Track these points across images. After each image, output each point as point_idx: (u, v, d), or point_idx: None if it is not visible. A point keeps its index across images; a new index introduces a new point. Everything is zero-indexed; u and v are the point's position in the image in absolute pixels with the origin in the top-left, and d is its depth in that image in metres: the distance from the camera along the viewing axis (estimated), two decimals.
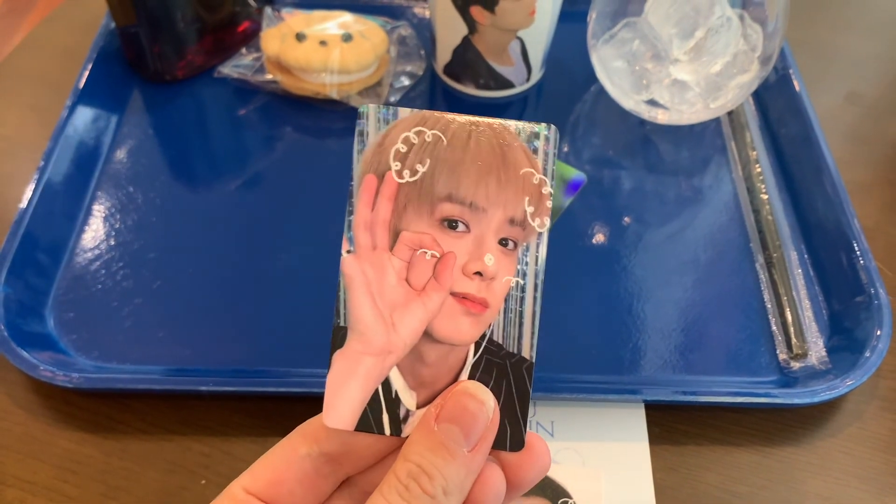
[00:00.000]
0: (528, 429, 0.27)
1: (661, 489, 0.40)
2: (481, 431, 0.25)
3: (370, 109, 0.28)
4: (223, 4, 0.57)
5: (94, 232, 0.49)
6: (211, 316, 0.45)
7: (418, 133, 0.29)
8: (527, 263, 0.29)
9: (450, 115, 0.28)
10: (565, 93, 0.59)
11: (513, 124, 0.28)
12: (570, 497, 0.39)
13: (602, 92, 0.56)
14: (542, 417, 0.42)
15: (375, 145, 0.27)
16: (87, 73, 0.55)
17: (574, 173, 0.52)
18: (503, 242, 0.27)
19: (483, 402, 0.26)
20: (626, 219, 0.51)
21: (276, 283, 0.47)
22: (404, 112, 0.28)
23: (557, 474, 0.40)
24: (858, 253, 0.46)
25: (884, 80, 0.62)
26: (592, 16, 0.53)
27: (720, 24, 0.49)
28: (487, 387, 0.27)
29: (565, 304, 0.46)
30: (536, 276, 0.29)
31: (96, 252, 0.48)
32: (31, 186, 0.48)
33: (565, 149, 0.55)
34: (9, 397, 0.42)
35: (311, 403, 0.42)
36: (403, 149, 0.28)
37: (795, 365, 0.43)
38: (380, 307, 0.27)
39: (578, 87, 0.59)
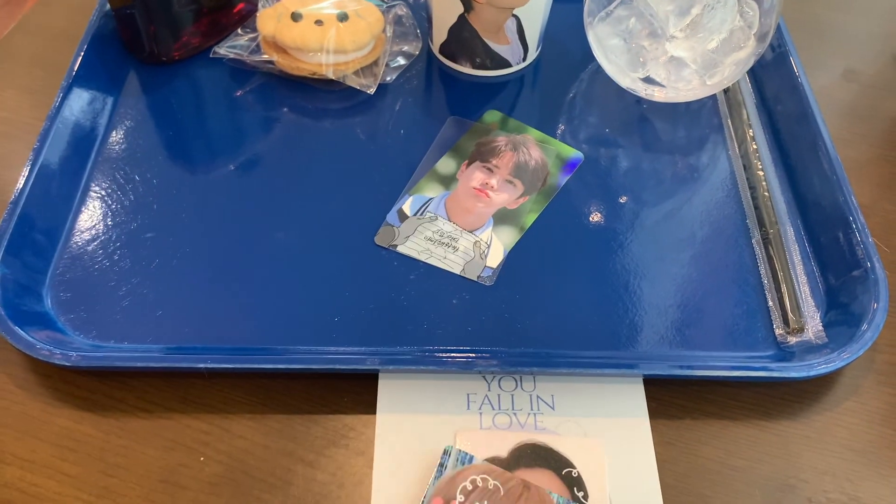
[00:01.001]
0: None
1: (659, 463, 0.40)
2: None
3: (453, 450, 0.38)
4: None
5: (91, 212, 0.49)
6: (208, 295, 0.45)
7: (483, 479, 0.37)
8: None
9: (509, 474, 0.38)
10: (562, 71, 0.59)
11: (556, 497, 0.37)
12: (574, 467, 0.39)
13: (599, 70, 0.56)
14: (543, 391, 0.42)
15: (449, 478, 0.37)
16: (82, 55, 0.55)
17: (572, 153, 0.52)
18: None
19: None
20: (623, 197, 0.51)
21: (272, 261, 0.47)
22: (478, 460, 0.38)
23: (560, 445, 0.40)
24: (855, 228, 0.46)
25: (881, 57, 0.62)
26: None
27: (716, 0, 0.49)
28: None
29: (564, 280, 0.46)
30: None
31: (93, 232, 0.48)
32: (27, 168, 0.48)
33: (562, 127, 0.55)
34: (7, 376, 0.42)
35: (310, 380, 0.42)
36: (469, 487, 0.37)
37: (792, 340, 0.44)
38: None
39: (575, 65, 0.59)
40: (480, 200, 0.50)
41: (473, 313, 0.44)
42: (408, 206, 0.49)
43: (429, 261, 0.46)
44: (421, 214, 0.48)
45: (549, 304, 0.45)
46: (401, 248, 0.47)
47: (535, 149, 0.52)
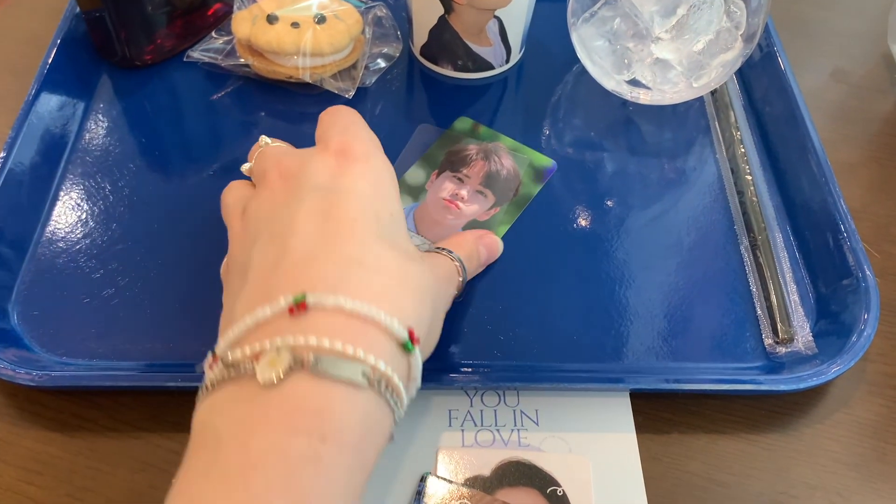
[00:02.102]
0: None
1: (646, 479, 0.39)
2: (490, 258, 0.45)
3: (430, 477, 0.38)
4: None
5: (61, 223, 0.47)
6: (182, 309, 0.44)
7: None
8: None
9: (489, 498, 0.37)
10: (546, 74, 0.57)
11: None
12: (559, 485, 0.38)
13: (583, 72, 0.55)
14: (526, 406, 0.41)
15: None
16: (51, 59, 0.53)
17: (546, 161, 0.51)
18: None
19: (497, 243, 0.45)
20: (609, 202, 0.49)
21: None
22: (457, 482, 0.38)
23: (545, 462, 0.39)
24: (845, 234, 0.45)
25: (870, 58, 0.61)
26: None
27: (702, 0, 0.48)
28: None
29: (547, 290, 0.45)
30: None
31: (63, 244, 0.46)
32: None
33: (546, 132, 0.53)
34: None
35: None
36: None
37: (781, 350, 0.43)
38: None
39: (559, 67, 0.58)
40: (450, 212, 0.48)
41: (454, 326, 0.43)
42: None
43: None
44: None
45: (532, 316, 0.44)
46: None
47: (506, 157, 0.51)
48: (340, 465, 0.27)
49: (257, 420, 0.27)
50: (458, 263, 0.40)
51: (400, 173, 0.50)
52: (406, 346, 0.30)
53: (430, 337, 0.36)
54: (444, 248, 0.40)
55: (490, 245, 0.44)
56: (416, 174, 0.50)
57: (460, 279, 0.40)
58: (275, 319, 0.29)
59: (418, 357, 0.31)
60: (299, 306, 0.29)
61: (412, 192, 0.49)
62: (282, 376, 0.27)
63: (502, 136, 0.52)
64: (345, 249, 0.31)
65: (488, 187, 0.49)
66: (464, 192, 0.48)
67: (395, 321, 0.30)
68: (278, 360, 0.27)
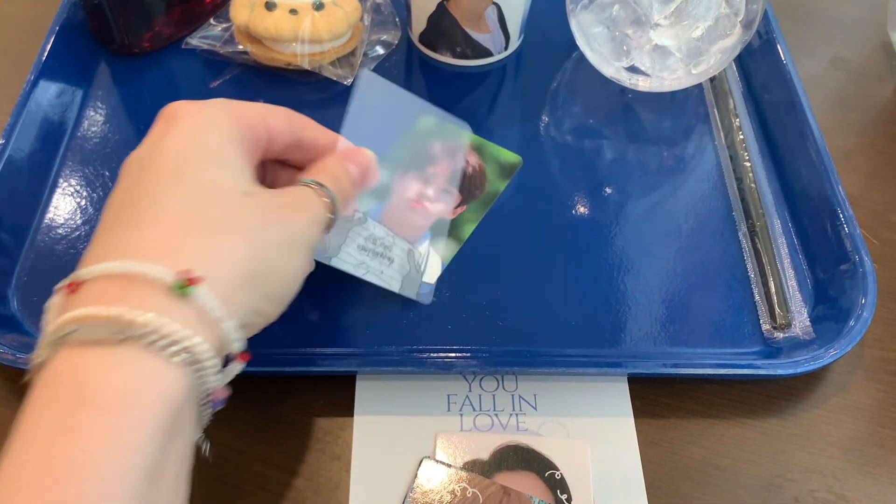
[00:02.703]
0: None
1: (644, 463, 0.39)
2: (365, 177, 0.40)
3: (429, 461, 0.38)
4: None
5: (60, 210, 0.47)
6: None
7: (462, 489, 0.37)
8: None
9: (488, 481, 0.38)
10: (545, 61, 0.57)
11: (537, 501, 0.37)
12: (557, 469, 0.39)
13: (582, 59, 0.55)
14: (525, 391, 0.41)
15: (426, 489, 0.37)
16: (50, 46, 0.53)
17: (511, 157, 0.51)
18: None
19: (373, 165, 0.40)
20: (608, 188, 0.49)
21: None
22: (456, 466, 0.38)
23: (543, 447, 0.39)
24: (843, 221, 0.45)
25: (869, 45, 0.61)
26: None
27: None
28: None
29: (546, 276, 0.45)
30: None
31: (62, 231, 0.46)
32: None
33: (545, 119, 0.53)
34: None
35: (285, 382, 0.41)
36: (448, 498, 0.37)
37: (779, 335, 0.43)
38: None
39: (558, 54, 0.58)
40: (416, 212, 0.46)
41: (453, 312, 0.43)
42: None
43: (366, 277, 0.41)
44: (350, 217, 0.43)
45: (531, 301, 0.44)
46: (335, 262, 0.41)
47: (472, 155, 0.50)
48: (103, 427, 0.25)
49: (28, 402, 0.26)
50: (316, 188, 0.35)
51: None
52: (179, 289, 0.28)
53: (272, 277, 0.32)
54: (304, 179, 0.36)
55: (361, 161, 0.39)
56: (380, 174, 0.47)
57: (326, 200, 0.35)
58: (61, 302, 0.29)
59: (206, 297, 0.28)
60: (72, 286, 0.28)
61: (377, 192, 0.45)
62: (43, 356, 0.27)
63: (466, 133, 0.52)
64: (124, 214, 0.30)
65: (454, 185, 0.48)
66: (430, 192, 0.47)
67: (158, 268, 0.28)
68: (43, 342, 0.27)
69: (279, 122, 0.37)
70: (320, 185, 0.36)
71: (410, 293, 0.43)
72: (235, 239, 0.30)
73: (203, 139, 0.33)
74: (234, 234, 0.30)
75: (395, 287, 0.42)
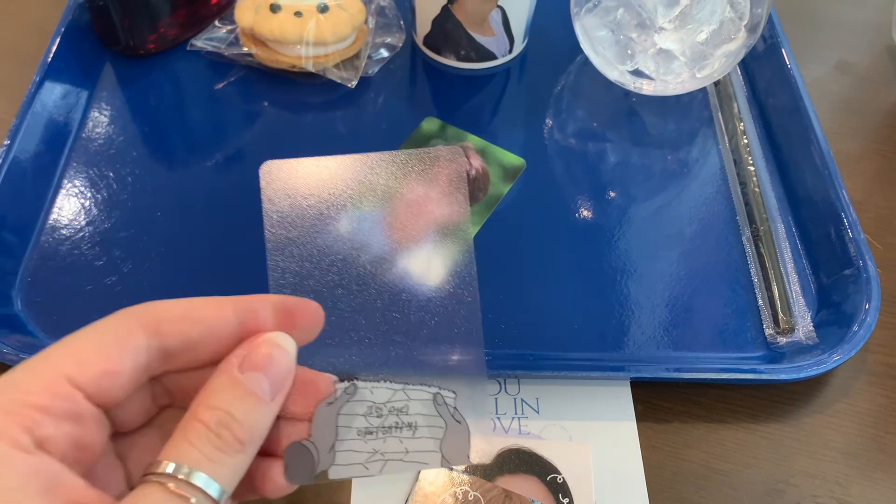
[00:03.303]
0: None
1: (646, 468, 0.39)
2: (285, 380, 0.26)
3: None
4: None
5: (64, 211, 0.47)
6: (185, 296, 0.44)
7: (463, 492, 0.36)
8: None
9: (490, 484, 0.37)
10: (549, 64, 0.57)
11: None
12: (559, 473, 0.38)
13: (587, 63, 0.55)
14: (527, 395, 0.41)
15: (428, 492, 0.37)
16: (55, 48, 0.53)
17: (515, 160, 0.51)
18: None
19: (288, 352, 0.27)
20: (612, 192, 0.49)
21: (251, 261, 0.45)
22: (458, 470, 0.36)
23: (545, 450, 0.39)
24: (847, 225, 0.45)
25: (874, 49, 0.61)
26: None
27: None
28: None
29: (548, 279, 0.45)
30: None
31: (66, 231, 0.46)
32: None
33: (549, 122, 0.53)
34: None
35: None
36: (449, 501, 0.36)
37: (782, 340, 0.43)
38: None
39: (562, 58, 0.58)
40: (420, 215, 0.44)
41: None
42: None
43: (386, 471, 0.29)
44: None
45: (533, 305, 0.44)
46: (335, 474, 0.29)
47: (475, 157, 0.50)
48: None
49: None
50: (175, 482, 0.23)
51: None
52: None
53: None
54: (157, 465, 0.24)
55: (265, 360, 0.26)
56: (382, 176, 0.46)
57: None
58: None
59: None
60: None
61: (380, 195, 0.44)
62: None
63: (470, 135, 0.52)
64: None
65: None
66: (433, 194, 0.46)
67: None
68: None
69: (107, 356, 0.25)
70: (179, 475, 0.24)
71: (460, 458, 0.30)
72: None
73: None
74: None
75: (434, 462, 0.29)
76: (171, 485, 0.23)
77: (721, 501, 0.38)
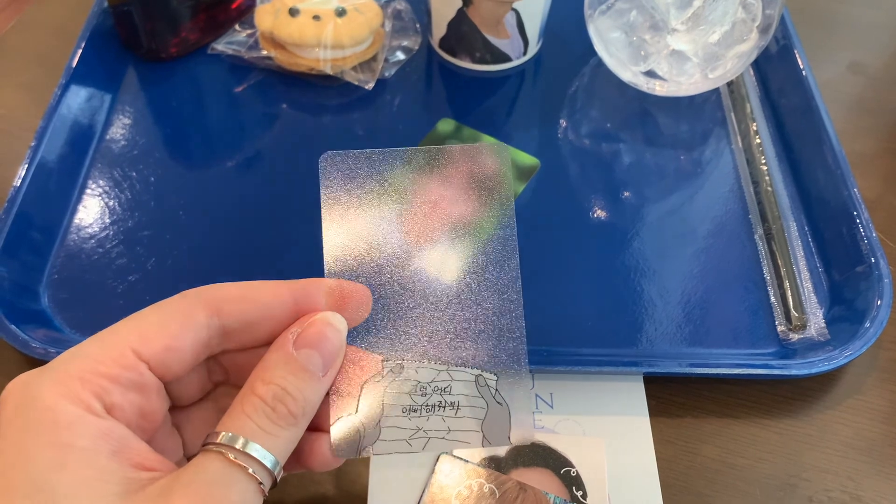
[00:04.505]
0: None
1: (659, 462, 0.40)
2: (336, 357, 0.28)
3: (446, 456, 0.36)
4: None
5: (89, 210, 0.49)
6: None
7: (479, 483, 0.36)
8: None
9: (504, 477, 0.37)
10: (563, 66, 0.58)
11: (552, 498, 0.35)
12: (573, 466, 0.39)
13: (600, 64, 0.56)
14: (541, 390, 0.42)
15: (444, 484, 0.37)
16: (80, 52, 0.54)
17: (530, 160, 0.51)
18: None
19: (340, 331, 0.29)
20: (626, 191, 0.50)
21: (270, 260, 0.46)
22: (473, 462, 0.36)
23: (559, 444, 0.40)
24: (859, 223, 0.45)
25: (888, 50, 0.61)
26: None
27: None
28: None
29: (564, 277, 0.46)
30: None
31: (91, 230, 0.47)
32: (25, 165, 0.47)
33: (563, 123, 0.54)
34: (4, 376, 0.42)
35: None
36: (465, 493, 0.36)
37: (794, 337, 0.43)
38: None
39: (576, 59, 0.58)
40: (436, 214, 0.44)
41: None
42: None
43: (428, 448, 0.30)
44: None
45: (548, 301, 0.44)
46: (378, 449, 0.30)
47: (490, 144, 0.50)
48: None
49: None
50: (232, 453, 0.25)
51: None
52: None
53: None
54: (214, 436, 0.26)
55: (325, 336, 0.28)
56: (398, 177, 0.46)
57: (248, 473, 0.25)
58: None
59: None
60: None
61: (396, 196, 0.44)
62: None
63: (485, 136, 0.53)
64: None
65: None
66: (449, 194, 0.47)
67: None
68: None
69: (170, 333, 0.27)
70: (236, 446, 0.25)
71: (501, 439, 0.31)
72: None
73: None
74: None
75: (475, 441, 0.30)
76: (230, 454, 0.25)
77: (733, 496, 0.39)
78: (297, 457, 0.29)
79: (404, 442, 0.30)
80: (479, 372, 0.31)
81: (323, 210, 0.32)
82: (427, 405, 0.30)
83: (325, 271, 0.31)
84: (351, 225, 0.32)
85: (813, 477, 0.39)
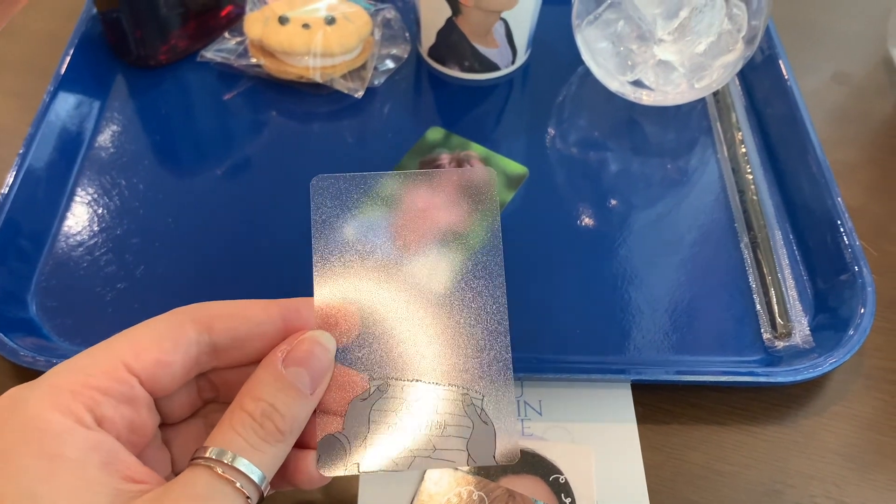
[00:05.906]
0: None
1: (647, 469, 0.40)
2: (324, 376, 0.29)
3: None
4: None
5: (77, 218, 0.48)
6: (194, 301, 0.45)
7: (468, 491, 0.36)
8: None
9: (493, 484, 0.37)
10: (551, 75, 0.59)
11: None
12: (561, 473, 0.39)
13: (588, 74, 0.56)
14: (530, 397, 0.42)
15: (433, 492, 0.37)
16: (68, 59, 0.54)
17: (518, 168, 0.52)
18: None
19: (328, 350, 0.29)
20: (613, 200, 0.50)
21: (259, 268, 0.46)
22: (462, 470, 0.36)
23: (548, 451, 0.40)
24: (843, 232, 0.46)
25: (871, 60, 0.62)
26: None
27: (704, 3, 0.49)
28: None
29: (552, 285, 0.46)
30: None
31: (79, 238, 0.47)
32: (13, 172, 0.47)
33: (551, 132, 0.55)
34: None
35: None
36: (454, 500, 0.36)
37: (779, 344, 0.44)
38: None
39: (564, 69, 0.59)
40: (426, 222, 0.44)
41: None
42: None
43: (413, 467, 0.30)
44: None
45: (536, 309, 0.45)
46: (365, 468, 0.30)
47: (479, 165, 0.51)
48: None
49: None
50: (220, 467, 0.25)
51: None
52: None
53: None
54: (203, 451, 0.26)
55: (313, 354, 0.29)
56: (388, 183, 0.46)
57: (236, 489, 0.25)
58: None
59: None
60: None
61: (386, 201, 0.44)
62: None
63: (473, 143, 0.53)
64: None
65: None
66: (439, 201, 0.47)
67: None
68: None
69: (162, 348, 0.27)
70: (224, 460, 0.25)
71: (486, 459, 0.30)
72: None
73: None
74: None
75: (461, 461, 0.30)
76: (218, 469, 0.25)
77: (720, 501, 0.39)
78: (284, 473, 0.29)
79: (390, 460, 0.30)
80: (465, 391, 0.31)
81: (313, 231, 0.32)
82: (413, 424, 0.30)
83: (315, 293, 0.31)
84: (340, 246, 0.32)
85: (798, 483, 0.40)
